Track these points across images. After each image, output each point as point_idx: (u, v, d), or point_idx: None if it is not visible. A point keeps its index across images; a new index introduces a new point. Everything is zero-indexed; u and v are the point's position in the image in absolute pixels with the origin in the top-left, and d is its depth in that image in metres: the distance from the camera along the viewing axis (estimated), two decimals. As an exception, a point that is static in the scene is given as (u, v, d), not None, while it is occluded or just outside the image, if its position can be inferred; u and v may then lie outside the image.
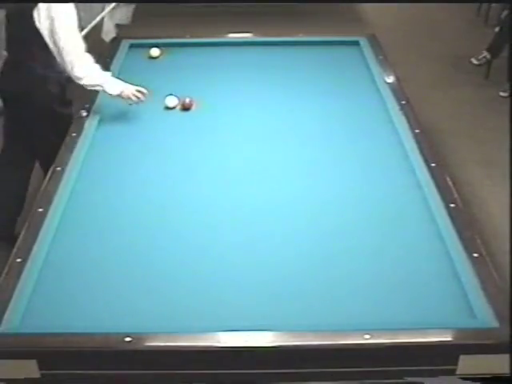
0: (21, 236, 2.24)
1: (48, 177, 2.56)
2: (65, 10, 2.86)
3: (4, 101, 3.19)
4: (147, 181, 2.60)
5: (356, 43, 3.74)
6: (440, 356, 1.84)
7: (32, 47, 2.95)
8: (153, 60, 3.58)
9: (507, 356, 1.80)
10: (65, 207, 2.40)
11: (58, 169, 2.60)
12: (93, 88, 2.98)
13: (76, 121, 2.96)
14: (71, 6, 2.88)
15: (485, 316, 1.90)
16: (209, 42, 3.78)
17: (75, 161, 2.66)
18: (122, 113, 3.07)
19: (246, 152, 2.79)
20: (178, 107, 3.10)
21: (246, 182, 2.58)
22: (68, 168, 2.60)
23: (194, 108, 3.09)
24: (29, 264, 2.10)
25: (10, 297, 1.97)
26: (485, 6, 6.39)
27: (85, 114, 3.01)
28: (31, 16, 2.88)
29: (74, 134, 2.84)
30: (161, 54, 3.61)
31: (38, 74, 2.98)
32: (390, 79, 3.31)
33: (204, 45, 3.74)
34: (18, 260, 2.11)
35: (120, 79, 3.04)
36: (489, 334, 1.84)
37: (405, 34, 6.17)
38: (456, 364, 1.83)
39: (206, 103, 3.13)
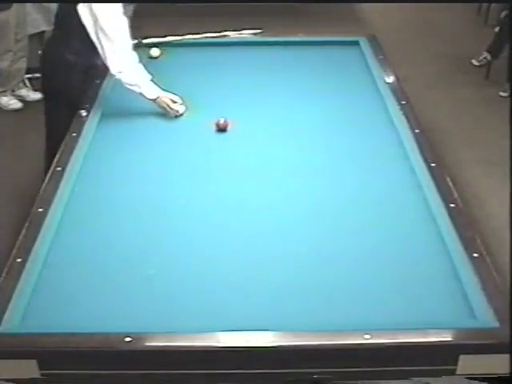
0: (21, 236, 2.24)
1: (48, 177, 2.56)
2: (107, 8, 2.85)
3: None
4: (147, 181, 2.60)
5: (356, 43, 3.73)
6: (440, 356, 1.84)
7: (70, 34, 3.02)
8: (153, 60, 3.58)
9: (507, 356, 1.80)
10: (65, 207, 2.40)
11: (58, 169, 2.60)
12: (130, 87, 2.94)
13: (76, 121, 2.96)
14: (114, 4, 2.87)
15: (485, 316, 1.89)
16: (209, 42, 3.78)
17: (75, 161, 2.66)
18: (122, 112, 3.07)
19: (245, 152, 2.79)
20: (214, 128, 2.92)
21: (246, 182, 2.58)
22: (68, 168, 2.60)
23: (229, 128, 2.92)
24: (29, 264, 2.10)
25: (10, 297, 1.96)
26: (485, 5, 6.40)
27: (85, 113, 3.01)
28: (76, 10, 2.91)
29: (74, 134, 2.84)
30: (161, 54, 3.61)
31: (65, 59, 3.06)
32: (390, 79, 3.31)
33: (204, 45, 3.74)
34: (18, 260, 2.11)
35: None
36: (489, 334, 1.84)
37: (405, 33, 6.17)
38: (456, 364, 1.83)
39: (206, 103, 3.13)
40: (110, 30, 2.86)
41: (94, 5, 2.85)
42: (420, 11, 6.53)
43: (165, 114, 3.03)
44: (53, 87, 3.19)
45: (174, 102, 3.01)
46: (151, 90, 2.96)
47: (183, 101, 3.04)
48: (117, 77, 2.94)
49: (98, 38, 2.89)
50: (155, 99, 2.97)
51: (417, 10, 6.53)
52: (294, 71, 3.49)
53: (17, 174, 4.04)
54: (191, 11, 6.01)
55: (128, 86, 2.94)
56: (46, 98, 3.34)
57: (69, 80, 3.11)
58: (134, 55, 2.96)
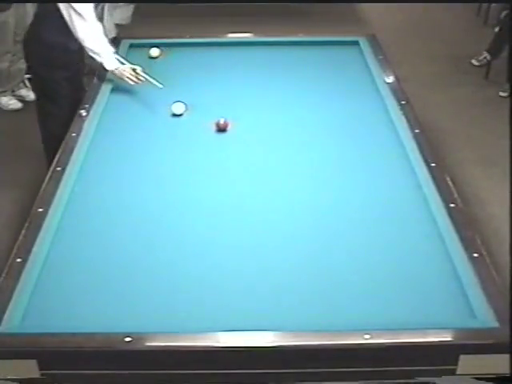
0: (21, 236, 2.24)
1: (48, 177, 2.56)
2: None
3: None
4: (147, 181, 2.60)
5: (356, 43, 3.73)
6: (440, 356, 1.85)
7: (46, 15, 3.25)
8: (153, 60, 3.58)
9: (507, 356, 1.80)
10: (65, 207, 2.40)
11: (58, 169, 2.60)
12: (93, 55, 3.15)
13: (76, 121, 2.96)
14: None
15: (485, 316, 1.90)
16: (209, 42, 3.78)
17: (75, 161, 2.66)
18: (122, 112, 3.07)
19: (245, 152, 2.78)
20: (214, 128, 2.92)
21: (247, 183, 2.57)
22: (68, 168, 2.60)
23: (229, 128, 2.91)
24: (29, 264, 2.10)
25: (10, 297, 1.97)
26: (485, 6, 6.39)
27: (85, 113, 3.01)
28: None
29: (74, 134, 2.84)
30: (161, 54, 3.61)
31: (34, 32, 3.31)
32: (390, 79, 3.31)
33: (204, 45, 3.74)
34: (18, 260, 2.11)
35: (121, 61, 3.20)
36: (489, 334, 1.84)
37: (405, 34, 6.17)
38: (456, 364, 1.83)
39: (206, 103, 3.14)
40: (78, 7, 3.07)
41: None
42: (420, 11, 6.53)
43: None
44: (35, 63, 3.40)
45: (135, 71, 3.15)
46: (110, 62, 3.16)
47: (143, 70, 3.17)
48: (83, 44, 3.14)
49: (70, 16, 3.09)
50: (114, 70, 3.16)
51: (417, 10, 6.53)
52: (294, 71, 3.49)
53: (17, 174, 4.04)
54: (191, 11, 6.01)
55: (91, 54, 3.17)
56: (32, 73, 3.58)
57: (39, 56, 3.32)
58: (100, 29, 3.15)
